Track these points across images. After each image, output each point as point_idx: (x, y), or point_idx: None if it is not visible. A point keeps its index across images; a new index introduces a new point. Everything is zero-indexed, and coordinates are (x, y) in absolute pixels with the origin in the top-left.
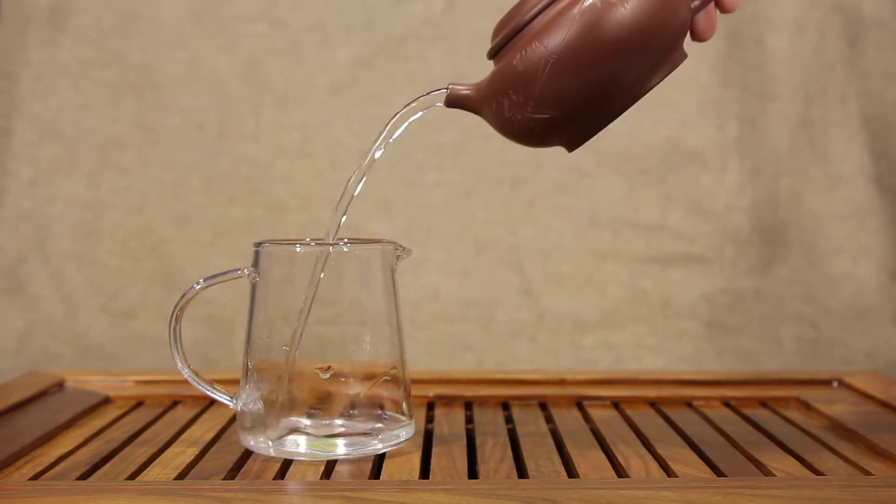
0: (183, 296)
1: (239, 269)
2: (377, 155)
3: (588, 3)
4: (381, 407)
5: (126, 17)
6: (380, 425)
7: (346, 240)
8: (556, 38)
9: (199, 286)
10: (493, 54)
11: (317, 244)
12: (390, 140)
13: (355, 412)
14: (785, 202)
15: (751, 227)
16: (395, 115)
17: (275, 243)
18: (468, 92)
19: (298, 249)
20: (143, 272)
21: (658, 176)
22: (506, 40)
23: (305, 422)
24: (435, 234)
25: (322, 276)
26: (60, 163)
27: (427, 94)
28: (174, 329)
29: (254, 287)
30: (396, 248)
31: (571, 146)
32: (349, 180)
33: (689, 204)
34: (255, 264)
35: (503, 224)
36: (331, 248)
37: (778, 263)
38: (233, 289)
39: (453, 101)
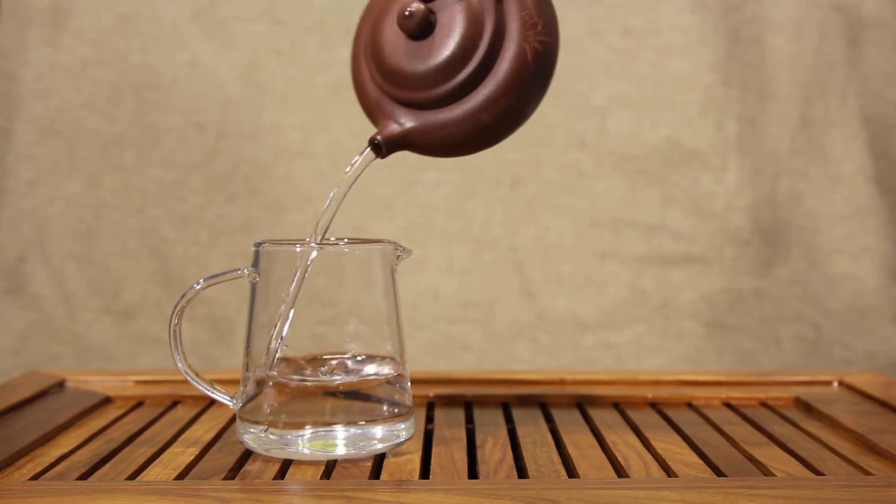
0: (183, 296)
1: (239, 269)
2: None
3: (534, 50)
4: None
5: (126, 17)
6: (379, 380)
7: (346, 240)
8: (522, 92)
9: (199, 286)
10: (442, 103)
11: (317, 244)
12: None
13: (353, 367)
14: (785, 202)
15: (751, 227)
16: (332, 192)
17: (275, 243)
18: (402, 130)
19: (298, 249)
20: (143, 272)
21: (658, 176)
22: (460, 92)
23: (305, 377)
24: (435, 234)
25: (305, 275)
26: (60, 163)
27: (354, 161)
28: (174, 329)
29: (254, 287)
30: (396, 248)
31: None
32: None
33: (689, 204)
34: (255, 264)
35: (503, 224)
36: (326, 248)
37: (778, 263)
38: (233, 289)
39: (393, 146)
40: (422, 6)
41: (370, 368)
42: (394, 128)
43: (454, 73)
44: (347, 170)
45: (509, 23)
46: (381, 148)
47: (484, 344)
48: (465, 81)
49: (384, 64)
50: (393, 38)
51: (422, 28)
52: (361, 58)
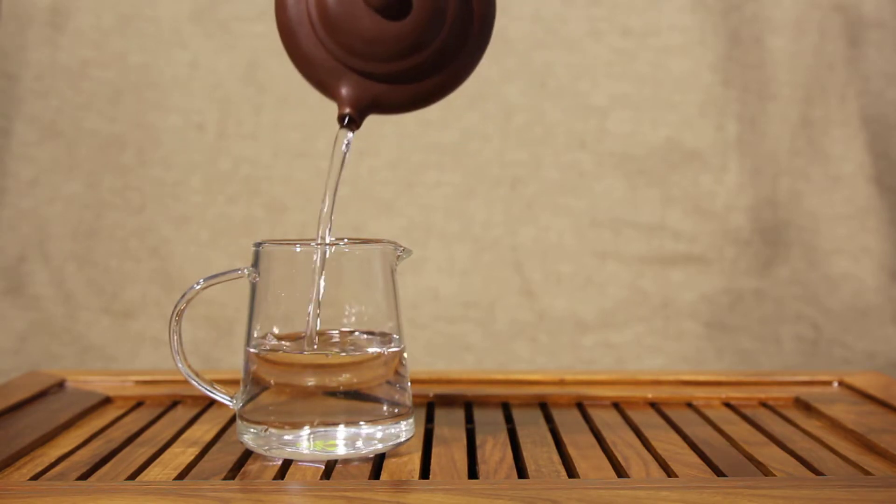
0: (183, 296)
1: (239, 269)
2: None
3: (488, 7)
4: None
5: (126, 17)
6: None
7: (346, 240)
8: (483, 46)
9: (199, 286)
10: (413, 73)
11: (317, 244)
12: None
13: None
14: (785, 202)
15: (751, 227)
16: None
17: (275, 243)
18: (369, 97)
19: (298, 249)
20: (143, 272)
21: (658, 176)
22: (433, 62)
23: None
24: (435, 234)
25: (322, 277)
26: (60, 163)
27: (338, 134)
28: (174, 329)
29: (254, 287)
30: (396, 248)
31: None
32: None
33: (689, 204)
34: (255, 264)
35: (503, 224)
36: (330, 248)
37: (778, 263)
38: (233, 289)
39: (364, 113)
40: None
41: (375, 346)
42: (360, 97)
43: (426, 46)
44: (333, 157)
45: None
46: (356, 120)
47: (484, 344)
48: (438, 51)
49: (345, 36)
50: (353, 8)
51: (392, 4)
52: (304, 24)
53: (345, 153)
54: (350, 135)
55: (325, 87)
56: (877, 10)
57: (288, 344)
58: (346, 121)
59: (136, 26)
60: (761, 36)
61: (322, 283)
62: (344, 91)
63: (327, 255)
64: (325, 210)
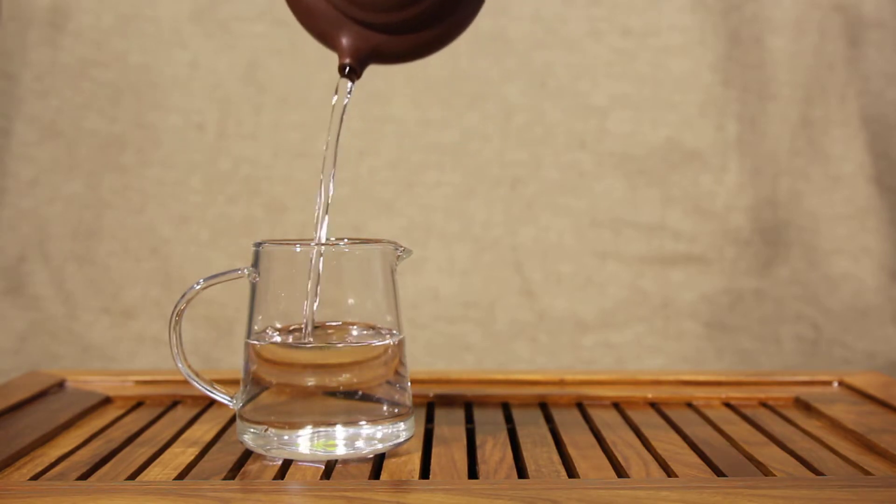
0: (183, 296)
1: (239, 269)
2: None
3: None
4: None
5: (126, 17)
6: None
7: (346, 240)
8: (479, 6)
9: (199, 286)
10: (418, 27)
11: (317, 244)
12: (339, 135)
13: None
14: (785, 202)
15: (751, 227)
16: (333, 118)
17: (275, 243)
18: (369, 47)
19: (298, 249)
20: (143, 272)
21: (658, 176)
22: (434, 15)
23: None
24: (435, 234)
25: (319, 273)
26: (60, 163)
27: (338, 83)
28: (174, 329)
29: (254, 287)
30: (396, 248)
31: None
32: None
33: (689, 204)
34: (255, 264)
35: (503, 224)
36: (327, 247)
37: (778, 263)
38: (233, 289)
39: (364, 63)
40: None
41: (373, 338)
42: (360, 47)
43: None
44: (334, 106)
45: None
46: (356, 70)
47: (484, 344)
48: (438, 1)
49: None
50: None
51: None
52: None
53: (345, 103)
54: (351, 84)
55: (326, 37)
56: (877, 10)
57: (287, 335)
58: (347, 71)
59: (136, 26)
60: (761, 36)
61: (326, 218)
62: (344, 41)
63: (331, 192)
64: (327, 158)
